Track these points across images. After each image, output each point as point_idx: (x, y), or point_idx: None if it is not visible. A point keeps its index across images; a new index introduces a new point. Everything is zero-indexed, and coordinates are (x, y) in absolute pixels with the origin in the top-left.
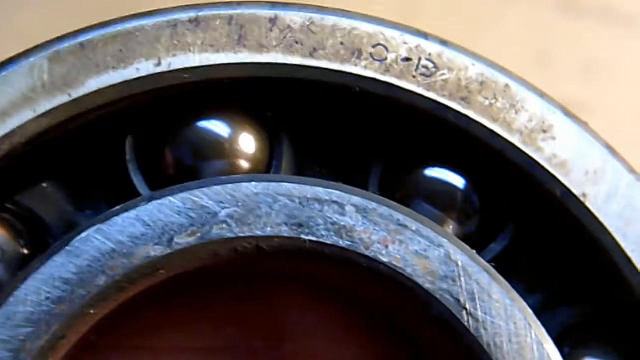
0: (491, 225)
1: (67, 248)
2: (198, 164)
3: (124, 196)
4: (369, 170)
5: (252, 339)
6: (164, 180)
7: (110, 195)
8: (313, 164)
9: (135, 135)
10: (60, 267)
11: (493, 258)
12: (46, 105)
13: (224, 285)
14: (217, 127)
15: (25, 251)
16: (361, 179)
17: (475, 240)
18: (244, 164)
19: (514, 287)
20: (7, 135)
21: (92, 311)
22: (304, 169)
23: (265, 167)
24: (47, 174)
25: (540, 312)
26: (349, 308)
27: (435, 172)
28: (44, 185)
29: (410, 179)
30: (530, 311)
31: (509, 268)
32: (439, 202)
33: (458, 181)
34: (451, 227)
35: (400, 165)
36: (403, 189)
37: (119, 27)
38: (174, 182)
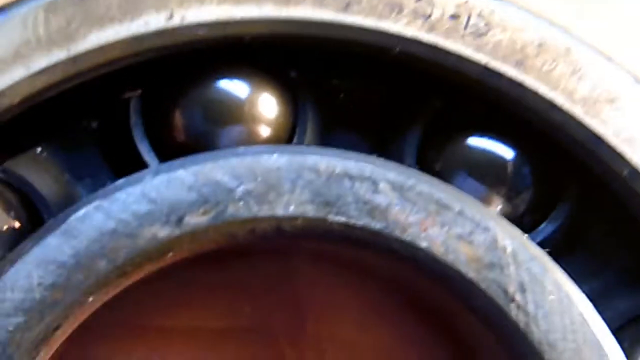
0: (543, 203)
1: (63, 227)
2: (212, 129)
3: (127, 163)
4: (405, 138)
5: (271, 319)
6: (172, 146)
7: (112, 161)
8: (342, 130)
9: (140, 96)
10: (55, 248)
11: (544, 239)
12: (41, 62)
13: (240, 262)
14: (234, 87)
15: (17, 225)
16: (396, 148)
17: (525, 220)
18: (264, 130)
19: (567, 273)
20: None
21: (90, 298)
22: (331, 136)
23: (288, 133)
24: (42, 137)
25: (597, 301)
26: (382, 291)
27: (481, 142)
28: (38, 150)
29: (453, 148)
30: (588, 304)
31: (562, 251)
32: (485, 176)
33: (507, 152)
34: (499, 205)
35: (441, 133)
36: (444, 160)
37: None
38: (184, 148)
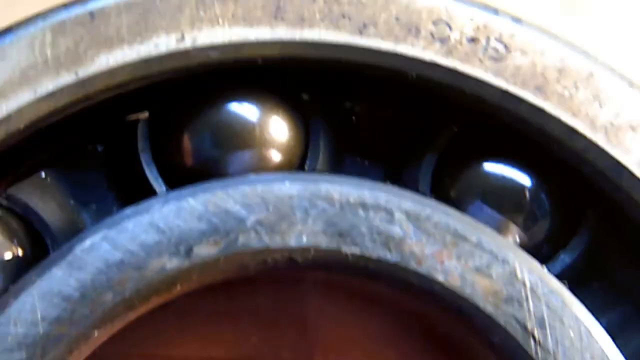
0: (561, 231)
1: (68, 258)
2: (221, 154)
3: (134, 188)
4: (420, 163)
5: (279, 349)
6: (180, 171)
7: (118, 186)
8: (355, 155)
9: (148, 119)
10: (59, 281)
11: (562, 269)
12: (49, 85)
13: (248, 290)
14: (244, 110)
15: (20, 252)
16: (410, 173)
17: (542, 249)
18: (275, 155)
19: (586, 303)
20: (1, 121)
21: (96, 332)
22: (344, 161)
23: (299, 158)
24: (46, 162)
25: (615, 334)
26: (394, 322)
27: (497, 168)
28: (42, 174)
29: (468, 175)
30: (608, 339)
31: (580, 281)
32: (501, 204)
33: (524, 179)
34: (515, 233)
35: (456, 158)
36: (459, 187)
37: None
38: (192, 173)
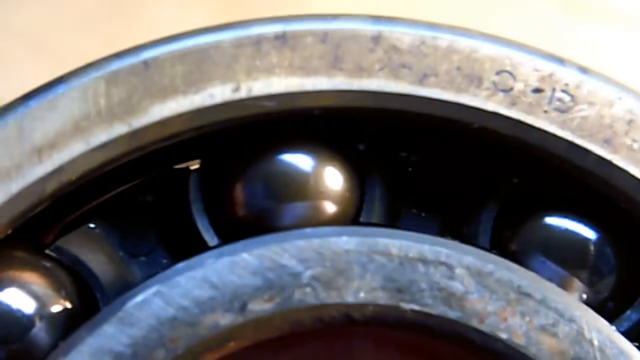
0: (628, 288)
1: (120, 314)
2: (274, 205)
3: (184, 239)
4: (479, 216)
5: None
6: (231, 222)
7: (168, 237)
8: (411, 206)
9: (200, 169)
10: (111, 338)
11: (630, 327)
12: (102, 136)
13: (297, 342)
14: (298, 161)
15: (68, 306)
16: (469, 226)
17: (608, 306)
18: (330, 207)
19: None
20: (54, 173)
21: None
22: (400, 213)
23: (355, 210)
24: (95, 212)
25: None
26: None
27: (560, 221)
28: (91, 226)
29: (530, 227)
30: None
31: None
32: (565, 258)
33: (589, 232)
34: (580, 290)
35: (517, 211)
36: (520, 240)
37: (190, 43)
38: (245, 224)
